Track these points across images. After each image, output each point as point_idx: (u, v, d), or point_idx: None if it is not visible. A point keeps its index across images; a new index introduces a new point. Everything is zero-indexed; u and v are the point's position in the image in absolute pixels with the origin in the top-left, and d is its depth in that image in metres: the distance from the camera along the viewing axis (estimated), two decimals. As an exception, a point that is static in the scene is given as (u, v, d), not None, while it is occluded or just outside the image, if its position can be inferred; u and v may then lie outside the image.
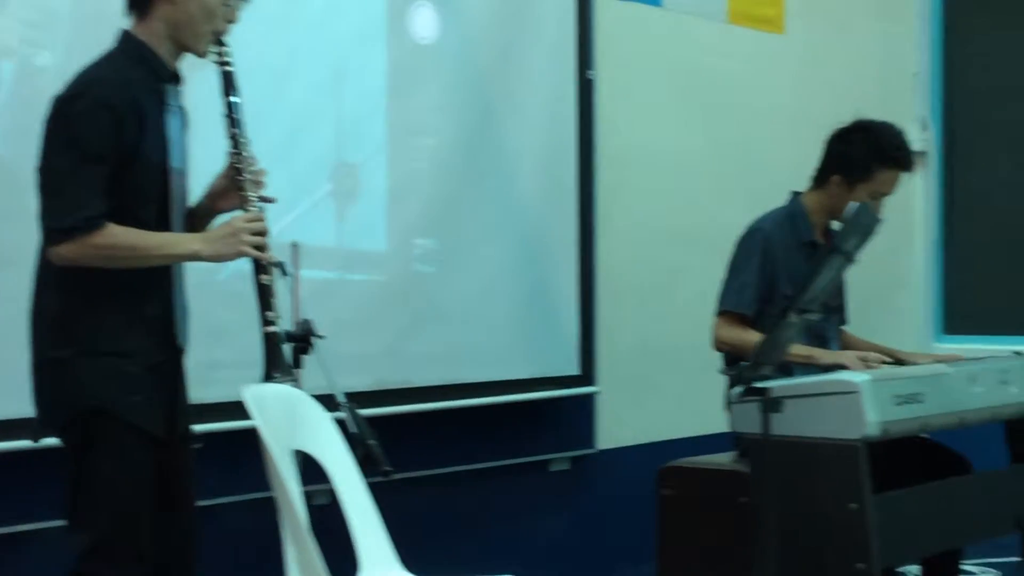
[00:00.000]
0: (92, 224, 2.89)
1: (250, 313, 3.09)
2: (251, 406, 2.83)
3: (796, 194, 4.15)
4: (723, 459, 3.86)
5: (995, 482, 3.96)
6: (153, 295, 3.06)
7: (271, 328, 3.06)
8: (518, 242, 4.99)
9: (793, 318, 3.16)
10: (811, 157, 4.15)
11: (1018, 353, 4.06)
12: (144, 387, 3.00)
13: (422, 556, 3.30)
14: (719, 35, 5.96)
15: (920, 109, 6.93)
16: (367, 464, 3.08)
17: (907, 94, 6.91)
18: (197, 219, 3.22)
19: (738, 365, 3.34)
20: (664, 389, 5.61)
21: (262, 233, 3.06)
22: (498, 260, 4.91)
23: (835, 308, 4.19)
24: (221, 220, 3.17)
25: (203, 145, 3.25)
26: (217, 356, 3.73)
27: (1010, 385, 3.81)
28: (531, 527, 5.18)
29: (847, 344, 4.19)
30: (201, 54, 3.11)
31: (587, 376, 5.24)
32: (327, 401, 3.18)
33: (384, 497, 3.25)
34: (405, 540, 3.30)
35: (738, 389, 3.27)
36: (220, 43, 3.10)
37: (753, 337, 3.76)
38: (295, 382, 3.12)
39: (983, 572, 5.25)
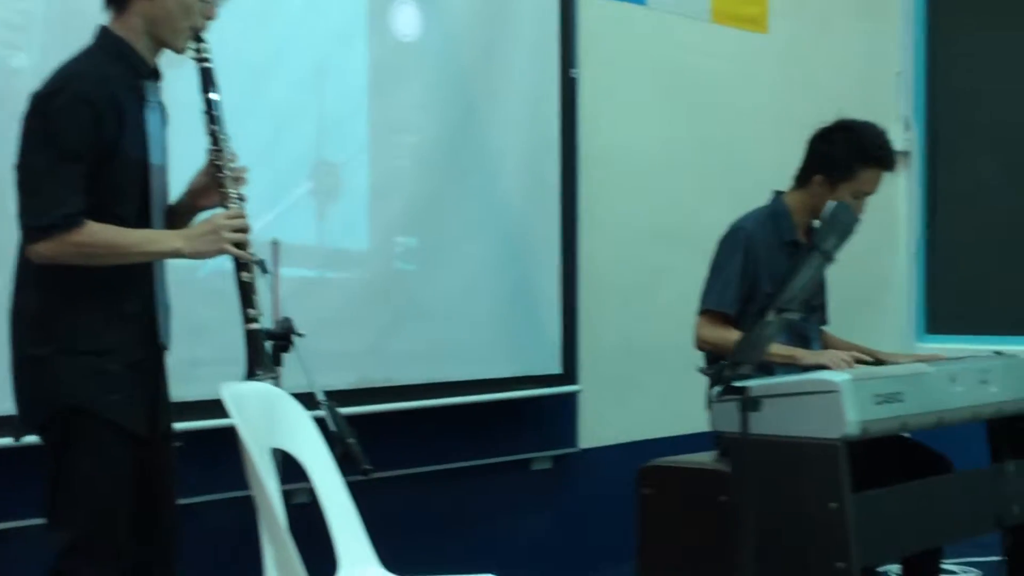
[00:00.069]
0: (71, 222, 2.88)
1: (231, 311, 3.08)
2: (229, 404, 2.83)
3: (778, 193, 4.15)
4: (704, 458, 3.86)
5: (975, 481, 3.96)
6: (134, 292, 3.05)
7: (253, 325, 3.05)
8: (501, 241, 4.98)
9: (772, 317, 3.16)
10: (794, 156, 4.15)
11: (999, 353, 4.06)
12: (124, 385, 2.99)
13: (403, 555, 3.30)
14: (703, 34, 5.96)
15: (903, 109, 6.94)
16: (346, 463, 3.07)
17: (890, 94, 6.92)
18: (178, 216, 3.21)
19: (717, 364, 3.33)
20: (647, 388, 5.61)
21: (243, 230, 3.05)
22: (480, 258, 4.90)
23: (816, 308, 4.19)
24: (202, 217, 3.16)
25: (185, 141, 3.23)
26: (198, 354, 3.72)
27: (990, 385, 3.81)
28: (513, 526, 5.18)
29: (827, 344, 4.19)
30: (180, 50, 3.09)
31: (569, 375, 5.23)
32: (308, 399, 3.17)
33: (365, 496, 3.25)
34: (386, 539, 3.30)
35: (718, 388, 3.27)
36: (199, 39, 3.09)
37: (735, 336, 3.75)
38: (277, 380, 3.12)
39: (964, 571, 5.27)
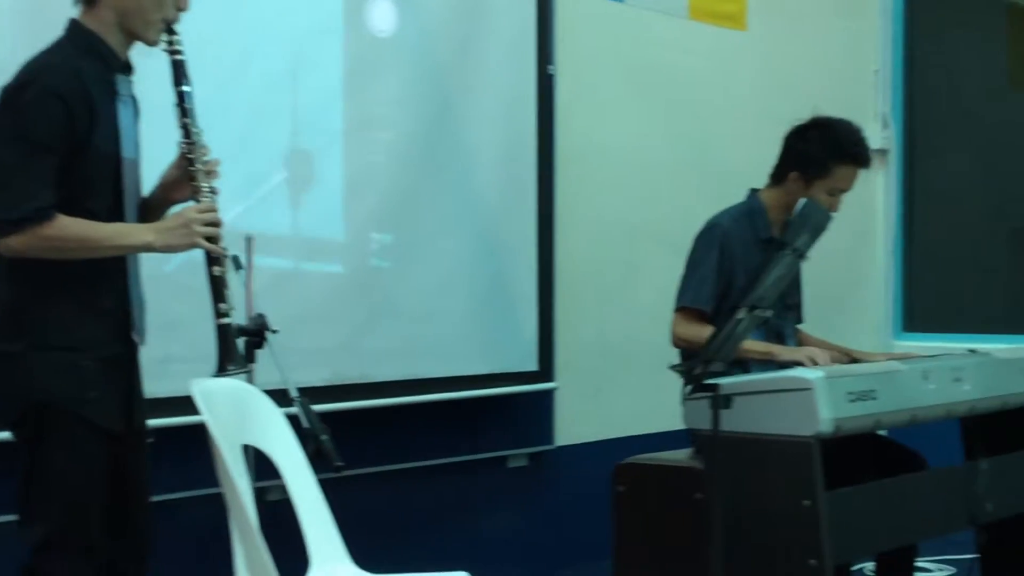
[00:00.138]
0: (42, 215, 2.87)
1: (203, 306, 3.08)
2: (199, 401, 2.82)
3: (754, 191, 4.15)
4: (679, 456, 3.85)
5: (949, 479, 3.97)
6: (107, 287, 3.04)
7: (224, 320, 3.04)
8: (476, 237, 4.97)
9: (743, 314, 3.16)
10: (772, 154, 4.15)
11: (972, 351, 4.07)
12: (98, 381, 2.98)
13: (377, 553, 3.29)
14: (680, 31, 5.96)
15: (881, 106, 6.95)
16: (319, 459, 3.06)
17: (868, 91, 6.93)
18: (150, 210, 3.19)
19: (686, 361, 3.33)
20: (623, 385, 5.61)
21: (215, 224, 3.04)
22: (456, 255, 4.89)
23: (792, 306, 4.19)
24: (175, 211, 3.15)
25: (158, 135, 3.21)
26: (170, 350, 3.70)
27: (964, 383, 3.81)
28: (489, 523, 5.17)
29: (802, 343, 4.19)
30: (151, 42, 3.08)
31: (545, 372, 5.22)
32: (281, 396, 3.16)
33: (340, 493, 3.24)
34: (360, 537, 3.29)
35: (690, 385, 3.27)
36: (171, 31, 3.08)
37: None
38: (249, 375, 3.11)
39: (939, 569, 5.28)
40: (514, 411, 5.19)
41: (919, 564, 4.44)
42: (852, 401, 3.40)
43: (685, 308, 4.00)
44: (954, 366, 3.82)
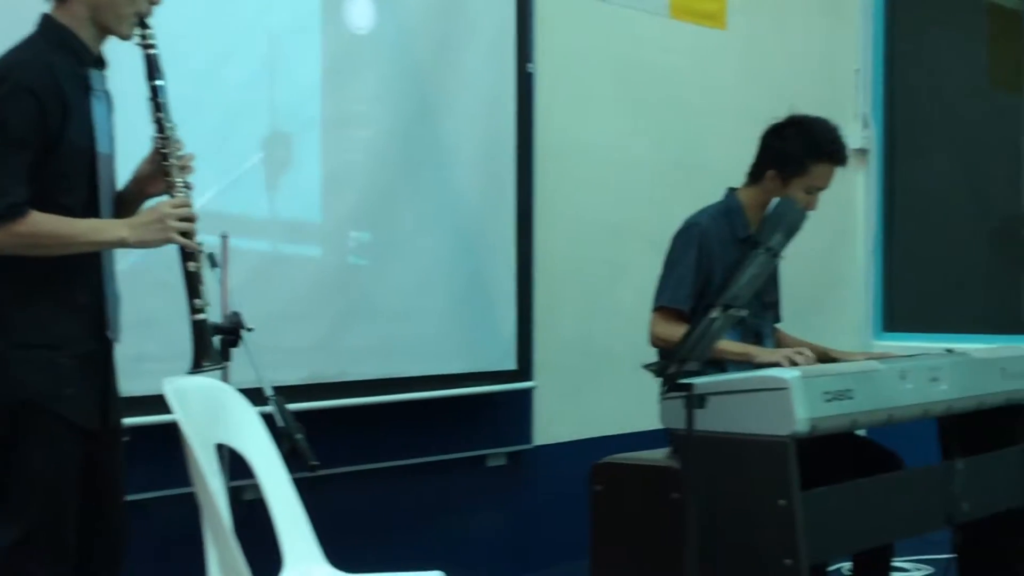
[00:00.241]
0: (14, 211, 2.84)
1: (178, 303, 3.05)
2: (172, 399, 2.80)
3: (732, 190, 4.15)
4: (656, 455, 3.84)
5: (926, 478, 3.97)
6: (83, 283, 3.01)
7: (199, 316, 3.02)
8: (455, 235, 4.96)
9: (717, 313, 3.15)
10: (753, 153, 4.14)
11: (950, 351, 4.07)
12: (74, 378, 2.96)
13: (354, 553, 3.28)
14: (661, 30, 5.96)
15: (862, 106, 6.96)
16: (293, 459, 3.05)
17: (849, 91, 6.94)
18: (125, 204, 3.17)
19: (660, 360, 3.32)
20: (602, 385, 5.60)
21: (189, 219, 3.02)
22: (435, 253, 4.88)
23: (769, 305, 4.19)
24: (149, 205, 3.12)
25: (132, 129, 3.19)
26: (145, 348, 3.67)
27: (940, 382, 3.81)
28: (467, 523, 5.16)
29: (780, 342, 4.19)
30: (124, 36, 3.05)
31: (524, 371, 5.22)
32: (257, 395, 3.14)
33: (316, 493, 3.23)
34: (337, 536, 3.28)
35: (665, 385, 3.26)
36: (144, 25, 3.05)
37: (690, 333, 3.75)
38: (224, 372, 3.09)
39: (915, 568, 5.29)
40: (492, 410, 5.18)
41: (896, 564, 4.44)
42: (828, 401, 3.40)
43: (663, 308, 3.99)
44: (931, 366, 3.82)
